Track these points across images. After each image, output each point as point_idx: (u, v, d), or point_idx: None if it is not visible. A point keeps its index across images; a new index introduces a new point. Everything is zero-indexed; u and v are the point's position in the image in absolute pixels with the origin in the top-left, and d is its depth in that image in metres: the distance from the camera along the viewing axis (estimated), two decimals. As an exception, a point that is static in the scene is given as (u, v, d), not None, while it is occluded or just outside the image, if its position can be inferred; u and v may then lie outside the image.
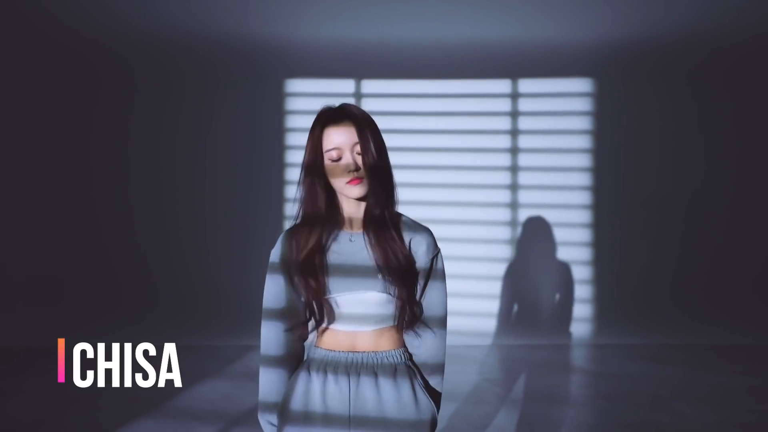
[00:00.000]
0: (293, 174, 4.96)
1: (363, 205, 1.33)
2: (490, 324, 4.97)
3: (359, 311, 1.30)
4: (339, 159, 1.27)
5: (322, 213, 1.31)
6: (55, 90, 4.95)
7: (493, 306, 4.99)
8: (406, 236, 1.33)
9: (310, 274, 1.28)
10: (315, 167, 1.29)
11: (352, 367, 1.30)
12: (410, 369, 1.33)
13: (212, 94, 5.02)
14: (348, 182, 1.27)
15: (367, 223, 1.32)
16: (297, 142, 5.04)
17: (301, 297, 1.32)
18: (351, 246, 1.31)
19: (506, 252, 5.03)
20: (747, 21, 4.83)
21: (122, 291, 4.92)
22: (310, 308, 1.31)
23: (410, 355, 1.36)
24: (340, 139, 1.27)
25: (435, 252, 1.35)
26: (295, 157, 4.99)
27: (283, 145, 5.09)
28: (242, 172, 5.07)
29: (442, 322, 1.37)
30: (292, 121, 5.10)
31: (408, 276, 1.30)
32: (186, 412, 3.23)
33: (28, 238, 4.95)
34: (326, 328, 1.32)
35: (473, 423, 3.11)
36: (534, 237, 5.02)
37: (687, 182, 5.06)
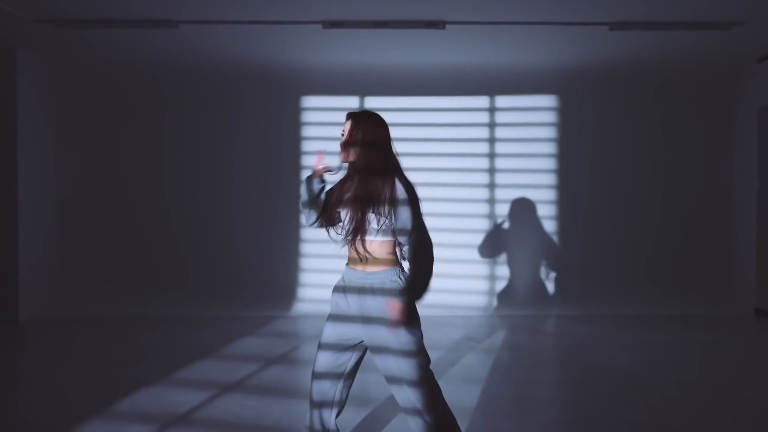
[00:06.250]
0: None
1: (361, 172, 1.93)
2: (475, 299, 5.37)
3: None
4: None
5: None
6: (114, 107, 5.39)
7: (475, 284, 5.42)
8: (401, 194, 1.89)
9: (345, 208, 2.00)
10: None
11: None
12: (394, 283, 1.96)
13: (239, 108, 5.41)
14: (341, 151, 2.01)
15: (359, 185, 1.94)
16: (312, 148, 5.38)
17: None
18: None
19: (483, 238, 5.44)
20: (687, 52, 4.99)
21: (172, 269, 5.38)
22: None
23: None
24: (344, 128, 2.01)
25: (407, 195, 1.87)
26: (311, 160, 5.24)
27: (300, 151, 5.47)
28: (265, 174, 5.44)
29: (408, 232, 1.88)
30: (307, 131, 5.47)
31: (364, 205, 1.87)
32: (237, 356, 3.95)
33: (93, 225, 5.40)
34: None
35: (452, 368, 3.83)
36: (509, 226, 5.43)
37: (634, 179, 5.47)
